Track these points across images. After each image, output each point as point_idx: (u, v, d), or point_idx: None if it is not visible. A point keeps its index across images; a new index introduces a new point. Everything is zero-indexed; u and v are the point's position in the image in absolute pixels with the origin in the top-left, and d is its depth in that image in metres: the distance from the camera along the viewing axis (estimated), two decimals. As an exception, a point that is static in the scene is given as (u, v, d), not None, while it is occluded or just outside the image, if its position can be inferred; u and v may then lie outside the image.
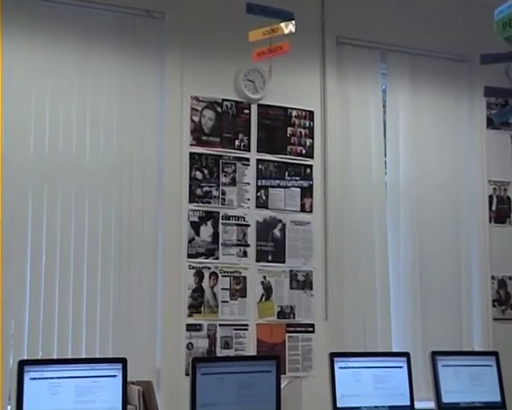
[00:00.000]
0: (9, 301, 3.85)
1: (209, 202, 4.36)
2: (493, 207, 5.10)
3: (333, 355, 3.59)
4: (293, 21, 3.45)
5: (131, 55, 4.26)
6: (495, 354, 3.96)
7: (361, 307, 4.64)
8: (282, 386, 3.31)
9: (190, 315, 4.24)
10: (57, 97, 4.07)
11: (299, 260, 4.55)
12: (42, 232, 3.97)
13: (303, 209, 4.59)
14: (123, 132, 4.21)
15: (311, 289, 4.55)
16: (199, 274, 4.29)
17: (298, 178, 4.60)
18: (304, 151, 4.64)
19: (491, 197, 5.10)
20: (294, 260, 4.53)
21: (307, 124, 4.67)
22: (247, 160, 4.49)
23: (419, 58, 4.99)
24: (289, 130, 4.62)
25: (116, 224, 4.14)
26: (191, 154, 4.35)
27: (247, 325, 4.36)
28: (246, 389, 3.19)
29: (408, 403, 3.62)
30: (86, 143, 4.12)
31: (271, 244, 4.49)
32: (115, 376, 3.06)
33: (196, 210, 4.33)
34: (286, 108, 4.63)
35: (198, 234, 4.31)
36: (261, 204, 4.49)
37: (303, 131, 4.65)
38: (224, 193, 4.40)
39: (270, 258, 4.47)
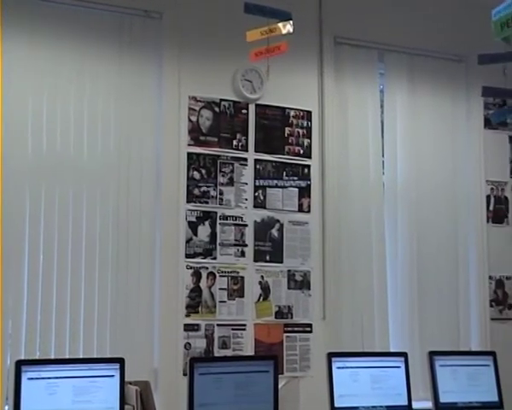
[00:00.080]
0: (7, 301, 3.84)
1: (207, 202, 4.36)
2: (491, 207, 5.10)
3: (330, 355, 3.59)
4: (291, 21, 3.45)
5: (129, 54, 4.26)
6: (492, 353, 3.97)
7: (359, 307, 4.64)
8: (279, 386, 3.31)
9: (188, 315, 4.24)
10: (55, 97, 4.07)
11: (297, 260, 4.55)
12: (39, 232, 3.97)
13: (301, 209, 4.59)
14: (121, 132, 4.20)
15: (309, 289, 4.55)
16: (196, 274, 4.29)
17: (296, 178, 4.60)
18: (301, 151, 4.64)
19: (488, 197, 5.10)
20: (292, 260, 4.53)
21: (305, 124, 4.67)
22: (245, 160, 4.49)
23: (417, 58, 5.00)
24: (287, 130, 4.62)
25: (114, 224, 4.13)
26: (189, 154, 4.35)
27: (244, 325, 4.36)
28: (243, 389, 3.19)
29: (405, 403, 3.63)
30: (84, 142, 4.12)
31: (269, 244, 4.49)
32: (113, 376, 3.06)
33: (194, 210, 4.33)
34: (284, 108, 4.63)
35: (196, 234, 4.31)
36: (259, 204, 4.49)
37: (301, 131, 4.65)
38: (221, 193, 4.40)
39: (267, 258, 4.47)
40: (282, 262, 4.50)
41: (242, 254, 4.41)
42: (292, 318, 4.49)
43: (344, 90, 4.78)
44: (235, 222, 4.41)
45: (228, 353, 4.27)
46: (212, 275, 4.32)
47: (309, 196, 4.62)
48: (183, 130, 4.34)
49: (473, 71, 4.98)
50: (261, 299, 4.43)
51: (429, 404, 3.78)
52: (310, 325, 4.53)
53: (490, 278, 5.03)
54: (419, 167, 4.92)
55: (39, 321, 3.91)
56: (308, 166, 4.64)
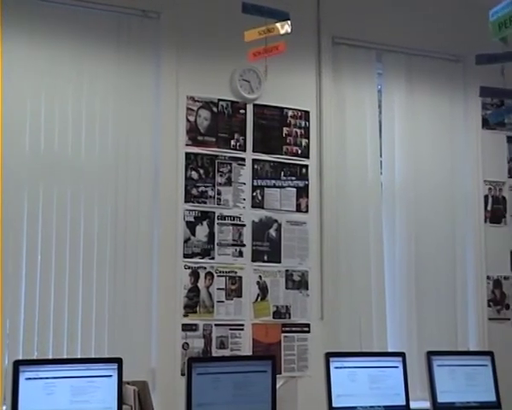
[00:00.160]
0: (4, 301, 3.84)
1: (205, 202, 4.36)
2: (488, 208, 5.10)
3: (328, 355, 3.60)
4: (289, 21, 3.45)
5: (127, 54, 4.25)
6: (490, 353, 3.97)
7: (356, 307, 4.64)
8: (277, 386, 3.32)
9: (186, 315, 4.24)
10: (53, 96, 4.07)
11: (295, 260, 4.55)
12: (37, 232, 3.96)
13: (299, 209, 4.60)
14: (118, 132, 4.20)
15: (307, 289, 4.56)
16: (194, 274, 4.29)
17: (293, 178, 4.60)
18: (299, 151, 4.64)
19: (486, 197, 5.10)
20: (290, 260, 4.53)
21: (303, 124, 4.67)
22: (243, 160, 4.49)
23: (415, 58, 5.00)
24: (285, 130, 4.62)
25: (112, 223, 4.13)
26: (187, 154, 4.35)
27: (242, 325, 4.36)
28: (241, 389, 3.20)
29: (403, 403, 3.63)
30: (82, 142, 4.12)
31: (267, 244, 4.49)
32: (111, 376, 3.06)
33: (192, 210, 4.33)
34: (281, 108, 4.63)
35: (194, 234, 4.31)
36: (257, 204, 4.49)
37: (298, 131, 4.66)
38: (219, 193, 4.40)
39: (265, 258, 4.47)
40: (279, 262, 4.50)
41: (240, 254, 4.41)
42: (290, 318, 4.49)
43: (342, 90, 4.78)
44: (233, 222, 4.41)
45: (226, 353, 4.27)
46: (209, 275, 4.32)
47: (307, 196, 4.62)
48: (181, 130, 4.34)
49: (470, 71, 4.99)
50: (259, 299, 4.43)
51: (427, 404, 3.78)
52: (308, 325, 4.53)
53: (488, 278, 5.03)
54: (417, 167, 4.92)
55: (37, 321, 3.91)
56: (306, 166, 4.65)
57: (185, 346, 4.21)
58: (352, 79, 4.80)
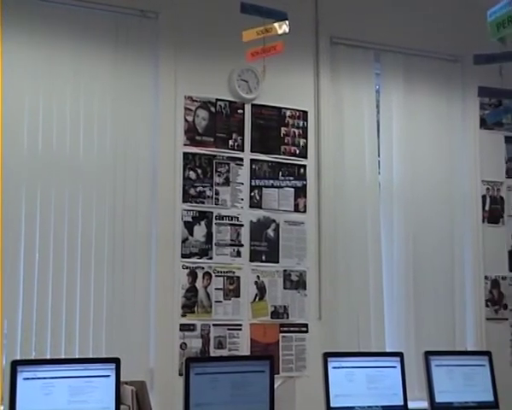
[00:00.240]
0: (2, 301, 3.83)
1: (203, 202, 4.36)
2: (486, 208, 5.11)
3: (326, 355, 3.60)
4: (287, 21, 3.45)
5: (125, 54, 4.25)
6: (488, 353, 3.98)
7: (354, 306, 4.64)
8: (275, 386, 3.31)
9: (184, 315, 4.24)
10: (51, 96, 4.06)
11: (293, 260, 4.55)
12: (35, 232, 3.96)
13: (297, 209, 4.60)
14: (117, 132, 4.20)
15: (305, 289, 4.56)
16: (192, 274, 4.29)
17: (291, 178, 4.61)
18: (297, 151, 4.64)
19: (484, 197, 5.11)
20: (288, 260, 4.53)
21: (301, 124, 4.67)
22: (241, 160, 4.49)
23: (413, 58, 5.00)
24: (283, 130, 4.62)
25: (110, 223, 4.13)
26: (185, 154, 4.35)
27: (240, 325, 4.36)
28: (239, 389, 3.20)
29: (401, 403, 3.63)
30: (80, 142, 4.11)
31: (265, 244, 4.49)
32: (108, 376, 3.06)
33: (190, 210, 4.32)
34: (280, 108, 4.63)
35: (191, 234, 4.31)
36: (255, 204, 4.49)
37: (297, 131, 4.66)
38: (217, 193, 4.40)
39: (263, 258, 4.47)
40: (277, 262, 4.51)
41: (238, 254, 4.41)
42: (288, 318, 4.50)
43: (340, 90, 4.78)
44: (231, 222, 4.41)
45: (224, 353, 4.27)
46: (207, 275, 4.32)
47: (305, 196, 4.63)
48: (179, 130, 4.34)
49: (469, 71, 4.99)
50: (257, 299, 4.43)
51: (425, 404, 3.78)
52: (306, 325, 4.53)
53: (485, 278, 5.03)
54: (415, 167, 4.93)
55: (35, 321, 3.91)
56: (304, 166, 4.65)
57: (183, 346, 4.21)
58: (350, 79, 4.80)
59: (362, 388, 3.59)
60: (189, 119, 4.38)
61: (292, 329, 4.49)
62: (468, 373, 3.84)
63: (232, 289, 4.37)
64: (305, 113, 4.69)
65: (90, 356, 3.94)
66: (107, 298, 4.08)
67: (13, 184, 3.92)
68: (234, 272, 4.39)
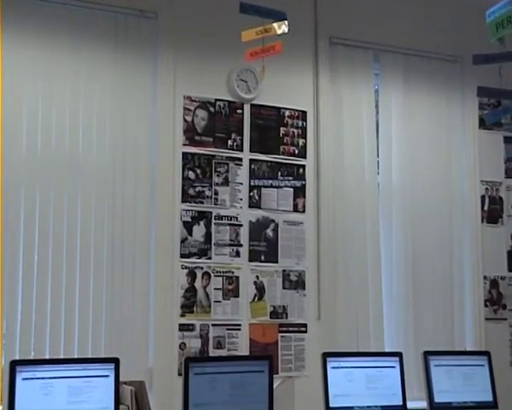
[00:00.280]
0: (1, 301, 3.83)
1: (202, 202, 4.36)
2: (485, 208, 5.11)
3: (325, 355, 3.60)
4: (286, 21, 3.45)
5: (124, 54, 4.25)
6: (487, 353, 3.98)
7: (353, 306, 4.64)
8: (274, 386, 3.31)
9: (183, 315, 4.24)
10: (50, 96, 4.06)
11: (292, 260, 4.55)
12: (34, 232, 3.96)
13: (296, 209, 4.60)
14: (116, 132, 4.20)
15: (304, 289, 4.56)
16: (191, 274, 4.29)
17: (290, 178, 4.61)
18: (296, 151, 4.65)
19: (483, 197, 5.11)
20: (287, 259, 4.53)
21: (300, 124, 4.67)
22: (240, 160, 4.49)
23: (412, 58, 5.00)
24: (282, 130, 4.62)
25: (109, 223, 4.13)
26: (184, 153, 4.35)
27: (239, 325, 4.36)
28: (238, 389, 3.19)
29: (400, 403, 3.63)
30: (79, 142, 4.11)
31: (264, 244, 4.49)
32: (108, 376, 3.05)
33: (189, 210, 4.32)
34: (279, 108, 4.63)
35: (191, 234, 4.31)
36: (254, 204, 4.49)
37: (296, 131, 4.66)
38: (216, 193, 4.40)
39: (262, 258, 4.47)
40: (276, 262, 4.51)
41: (237, 254, 4.41)
42: (287, 318, 4.50)
43: (339, 91, 4.78)
44: (230, 222, 4.41)
45: (223, 353, 4.27)
46: (207, 275, 4.32)
47: (304, 196, 4.63)
48: (178, 130, 4.34)
49: (468, 71, 4.99)
50: (256, 299, 4.43)
51: (424, 404, 3.78)
52: (305, 325, 4.53)
53: (484, 278, 5.03)
54: (414, 167, 4.93)
55: (34, 321, 3.90)
56: (303, 166, 4.65)
57: (182, 346, 4.21)
58: (349, 79, 4.80)
59: (361, 388, 3.59)
60: (188, 119, 4.38)
61: (291, 329, 4.49)
62: (467, 373, 3.84)
63: (231, 289, 4.37)
64: (304, 113, 4.69)
65: (89, 356, 3.93)
66: (107, 298, 4.08)
67: (12, 184, 3.92)
68: (233, 272, 4.39)
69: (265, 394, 3.24)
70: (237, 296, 4.38)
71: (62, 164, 4.05)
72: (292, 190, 4.60)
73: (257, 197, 4.50)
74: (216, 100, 4.46)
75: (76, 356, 3.92)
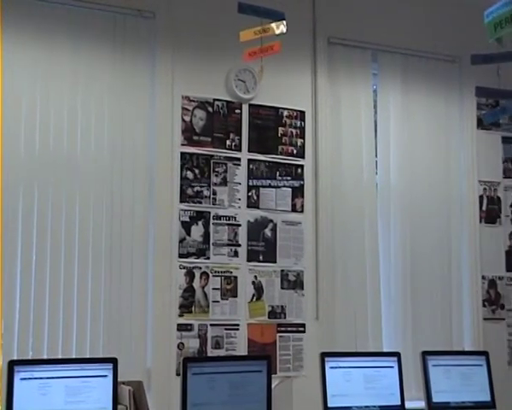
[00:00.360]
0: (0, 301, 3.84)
1: (200, 202, 4.36)
2: (483, 208, 5.11)
3: (324, 355, 3.59)
4: (285, 21, 3.46)
5: (122, 54, 4.25)
6: (485, 353, 3.97)
7: (352, 306, 4.64)
8: (272, 386, 3.31)
9: (181, 315, 4.24)
10: (48, 96, 4.06)
11: (290, 260, 4.55)
12: (32, 232, 3.95)
13: (294, 209, 4.60)
14: (114, 132, 4.20)
15: (302, 288, 4.56)
16: (190, 274, 4.28)
17: (289, 178, 4.61)
18: (295, 151, 4.65)
19: (481, 197, 5.11)
20: (285, 259, 4.54)
21: (298, 124, 4.67)
22: (238, 160, 4.49)
23: (410, 58, 5.01)
24: (280, 130, 4.62)
25: (107, 223, 4.13)
26: (182, 153, 4.35)
27: (237, 325, 4.36)
28: (237, 389, 3.19)
29: (398, 403, 3.63)
30: (77, 142, 4.11)
31: (262, 244, 4.49)
32: (106, 376, 3.05)
33: (187, 210, 4.32)
34: (277, 108, 4.63)
35: (189, 234, 4.31)
36: (252, 204, 4.49)
37: (294, 131, 4.66)
38: (214, 193, 4.40)
39: (261, 258, 4.47)
40: (275, 262, 4.51)
41: (236, 254, 4.41)
42: (285, 318, 4.50)
43: (337, 91, 4.79)
44: (228, 222, 4.41)
45: (221, 353, 4.27)
46: (205, 275, 4.32)
47: (302, 196, 4.63)
48: (176, 130, 4.34)
49: (466, 71, 4.99)
50: (254, 299, 4.43)
51: (422, 404, 3.78)
52: (303, 325, 4.53)
53: (483, 277, 5.04)
54: (412, 168, 4.93)
55: (32, 321, 3.90)
56: (301, 166, 4.65)
57: (180, 346, 4.21)
58: (347, 79, 4.81)
59: (359, 388, 3.58)
60: (187, 119, 4.38)
61: (289, 329, 4.49)
62: (465, 373, 3.84)
63: (229, 289, 4.37)
64: (303, 113, 4.69)
65: (88, 356, 3.93)
66: (105, 298, 4.08)
67: (10, 184, 3.92)
68: (231, 272, 4.39)
69: (264, 394, 3.23)
70: (235, 296, 4.38)
71: (60, 164, 4.05)
72: (290, 190, 4.60)
73: (255, 197, 4.50)
74: (214, 100, 4.46)
75: (74, 356, 3.92)
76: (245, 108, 4.54)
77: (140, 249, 4.18)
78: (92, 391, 3.01)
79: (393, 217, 4.86)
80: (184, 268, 4.28)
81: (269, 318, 4.46)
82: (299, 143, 4.66)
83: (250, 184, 4.49)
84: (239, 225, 4.44)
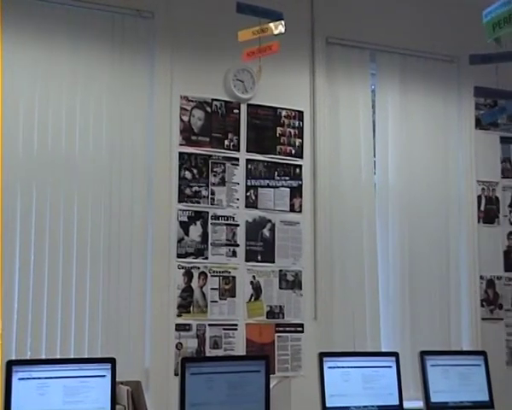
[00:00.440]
0: (-2, 301, 3.84)
1: (198, 202, 4.35)
2: (482, 208, 5.12)
3: (322, 355, 3.59)
4: (283, 21, 3.46)
5: (121, 54, 4.25)
6: (483, 353, 3.97)
7: (350, 306, 4.64)
8: (271, 386, 3.31)
9: (179, 315, 4.24)
10: (47, 96, 4.06)
11: (289, 260, 4.55)
12: (30, 232, 3.95)
13: (292, 209, 4.60)
14: (112, 131, 4.20)
15: (301, 288, 4.56)
16: (188, 274, 4.28)
17: (287, 178, 4.61)
18: (293, 151, 4.65)
19: (479, 198, 5.11)
20: (284, 259, 4.54)
21: (297, 124, 4.67)
22: (237, 160, 4.49)
23: (408, 58, 5.01)
24: (279, 130, 4.62)
25: (105, 224, 4.13)
26: (180, 153, 4.35)
27: (236, 325, 4.36)
28: (235, 389, 3.19)
29: (397, 403, 3.63)
30: (75, 142, 4.11)
31: (261, 244, 4.49)
32: (104, 376, 3.05)
33: (185, 210, 4.32)
34: (275, 108, 4.63)
35: (187, 234, 4.31)
36: (250, 204, 4.49)
37: (292, 131, 4.66)
38: (213, 193, 4.40)
39: (259, 258, 4.47)
40: (273, 262, 4.51)
41: (234, 254, 4.41)
42: (283, 318, 4.50)
43: (336, 91, 4.79)
44: (226, 222, 4.41)
45: (219, 353, 4.27)
46: (203, 275, 4.32)
47: (300, 196, 4.63)
48: (174, 129, 4.34)
49: (464, 71, 5.00)
50: (253, 299, 4.43)
51: (420, 404, 3.78)
52: (301, 325, 4.53)
53: (481, 277, 5.04)
54: (410, 168, 4.93)
55: (30, 321, 3.90)
56: (300, 166, 4.65)
57: (179, 346, 4.21)
58: (345, 79, 4.81)
59: (357, 388, 3.59)
60: (185, 119, 4.38)
61: (287, 329, 4.49)
62: (463, 373, 3.84)
63: (228, 289, 4.37)
64: (301, 113, 4.69)
65: (86, 356, 3.93)
66: (103, 298, 4.07)
67: (8, 184, 3.91)
68: (229, 272, 4.39)
69: (262, 394, 3.23)
70: (234, 296, 4.38)
71: (59, 163, 4.05)
72: (288, 190, 4.60)
73: (253, 197, 4.50)
74: (212, 100, 4.46)
75: (72, 356, 3.92)
76: (243, 108, 4.54)
77: (138, 249, 4.18)
78: (90, 391, 3.01)
79: (392, 217, 4.86)
80: (183, 268, 4.27)
81: (267, 318, 4.46)
82: (297, 143, 4.66)
83: (248, 184, 4.49)
84: (237, 225, 4.44)
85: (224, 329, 4.33)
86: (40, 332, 3.92)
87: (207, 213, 4.37)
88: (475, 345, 4.87)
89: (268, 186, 4.54)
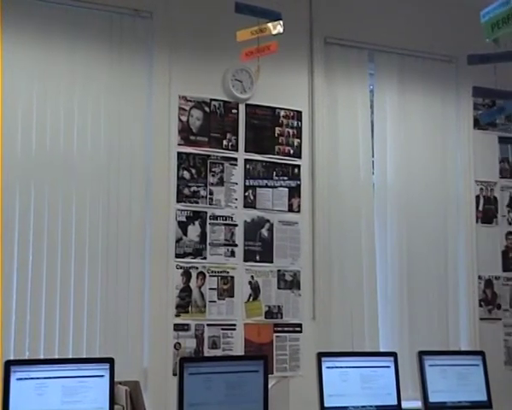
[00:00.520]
0: (-4, 301, 3.84)
1: (197, 202, 4.35)
2: (480, 208, 5.12)
3: (320, 355, 3.60)
4: (281, 21, 3.46)
5: (119, 54, 4.25)
6: (481, 353, 3.98)
7: (348, 306, 4.64)
8: (269, 386, 3.31)
9: (178, 315, 4.24)
10: (45, 96, 4.05)
11: (287, 260, 4.55)
12: (29, 232, 3.95)
13: (291, 209, 4.60)
14: (110, 132, 4.19)
15: (299, 288, 4.56)
16: (186, 274, 4.28)
17: (286, 178, 4.61)
18: (292, 151, 4.65)
19: (477, 198, 5.12)
20: (282, 259, 4.53)
21: (295, 124, 4.67)
22: (235, 160, 4.49)
23: (407, 58, 5.01)
24: (277, 130, 4.62)
25: (103, 224, 4.12)
26: (179, 153, 4.35)
27: (234, 325, 4.36)
28: (233, 389, 3.19)
29: (395, 403, 3.63)
30: (74, 142, 4.10)
31: (259, 244, 4.49)
32: (102, 376, 3.05)
33: (184, 210, 4.32)
34: (274, 108, 4.63)
35: (185, 234, 4.31)
36: (249, 204, 4.49)
37: (291, 131, 4.66)
38: (211, 193, 4.40)
39: (257, 258, 4.47)
40: (271, 262, 4.51)
41: (232, 253, 4.41)
42: (282, 318, 4.50)
43: (334, 91, 4.79)
44: (225, 222, 4.41)
45: (218, 353, 4.27)
46: (201, 275, 4.31)
47: (299, 196, 4.63)
48: (173, 129, 4.34)
49: (463, 71, 5.00)
50: (251, 299, 4.43)
51: (419, 404, 3.79)
52: (300, 325, 4.53)
53: (479, 277, 5.04)
54: (409, 168, 4.93)
55: (28, 321, 3.90)
56: (298, 166, 4.65)
57: (177, 346, 4.20)
58: (344, 79, 4.81)
59: (356, 388, 3.59)
60: (184, 118, 4.38)
61: (286, 329, 4.49)
62: (461, 373, 3.85)
63: (226, 289, 4.37)
64: (300, 113, 4.69)
65: (84, 356, 3.93)
66: (101, 298, 4.07)
67: (7, 183, 3.91)
68: (228, 272, 4.39)
69: (260, 394, 3.24)
70: (232, 296, 4.38)
71: (57, 163, 4.04)
72: (287, 190, 4.60)
73: (252, 197, 4.50)
74: (211, 100, 4.46)
75: (71, 356, 3.91)
76: (242, 107, 4.54)
77: (136, 249, 4.18)
78: (89, 391, 3.01)
79: (390, 217, 4.86)
80: (181, 268, 4.27)
81: (265, 318, 4.46)
82: (295, 143, 4.66)
83: (247, 184, 4.49)
84: (236, 225, 4.44)
85: (223, 329, 4.33)
86: (38, 332, 3.91)
87: (206, 213, 4.37)
88: (473, 345, 4.87)
89: (266, 186, 4.54)
